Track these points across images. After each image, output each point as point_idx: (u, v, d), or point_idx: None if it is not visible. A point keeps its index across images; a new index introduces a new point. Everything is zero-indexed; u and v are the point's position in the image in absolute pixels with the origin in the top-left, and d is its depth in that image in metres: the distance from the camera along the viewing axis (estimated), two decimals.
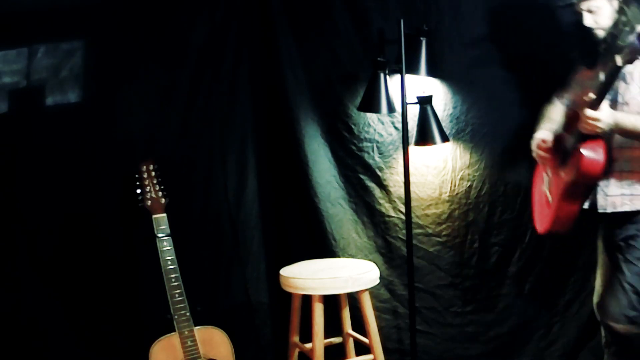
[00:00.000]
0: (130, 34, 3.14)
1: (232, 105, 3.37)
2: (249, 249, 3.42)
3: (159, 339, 2.80)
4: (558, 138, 2.72)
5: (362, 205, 3.45)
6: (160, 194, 2.92)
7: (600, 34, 2.57)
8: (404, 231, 3.26)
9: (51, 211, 3.04)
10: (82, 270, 3.08)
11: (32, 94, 3.05)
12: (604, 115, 2.39)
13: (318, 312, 2.86)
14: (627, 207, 2.60)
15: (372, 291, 3.06)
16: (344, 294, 3.03)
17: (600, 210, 2.66)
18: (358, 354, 3.15)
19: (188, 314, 2.82)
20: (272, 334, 3.44)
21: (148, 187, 2.91)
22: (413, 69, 3.16)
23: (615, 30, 2.52)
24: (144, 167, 2.94)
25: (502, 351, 3.34)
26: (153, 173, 2.94)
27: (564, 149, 2.66)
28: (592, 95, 2.39)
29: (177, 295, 2.82)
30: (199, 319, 2.87)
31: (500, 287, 3.32)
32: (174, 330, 2.81)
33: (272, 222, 3.49)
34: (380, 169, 3.41)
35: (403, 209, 3.28)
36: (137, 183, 2.92)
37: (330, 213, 3.42)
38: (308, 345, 2.95)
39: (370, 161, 3.41)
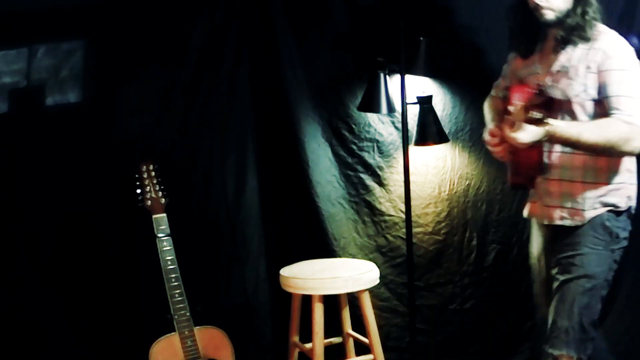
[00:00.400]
0: (130, 34, 3.13)
1: (232, 105, 3.37)
2: (249, 249, 3.42)
3: (159, 339, 2.80)
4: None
5: (362, 205, 3.45)
6: (160, 194, 2.92)
7: (549, 15, 2.30)
8: (404, 230, 3.26)
9: (51, 211, 3.03)
10: (82, 270, 3.07)
11: (32, 94, 3.05)
12: (524, 136, 2.17)
13: (318, 312, 2.86)
14: (567, 222, 2.37)
15: (372, 290, 3.07)
16: (344, 294, 3.03)
17: (538, 221, 2.52)
18: (358, 354, 3.15)
19: (188, 314, 2.82)
20: (272, 334, 3.45)
21: (148, 187, 2.92)
22: (413, 69, 3.17)
23: (580, 21, 2.28)
24: (144, 167, 2.94)
25: (501, 348, 3.35)
26: (153, 173, 2.94)
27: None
28: (511, 117, 2.20)
29: (177, 295, 2.82)
30: (199, 319, 2.87)
31: (498, 285, 3.33)
32: (174, 330, 2.81)
33: (272, 222, 3.49)
34: (381, 168, 3.42)
35: (403, 208, 3.29)
36: (137, 183, 2.92)
37: (331, 212, 3.42)
38: (308, 345, 2.95)
39: (371, 160, 3.42)
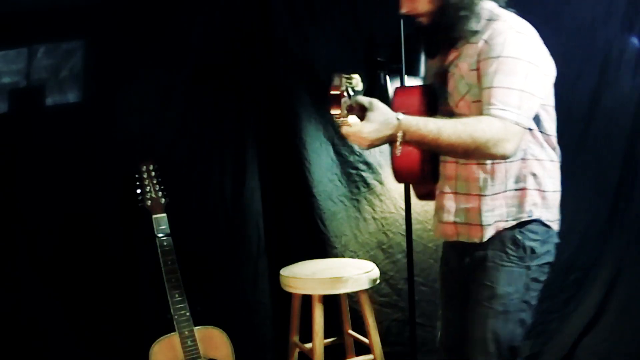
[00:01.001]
0: (130, 34, 3.13)
1: (232, 104, 3.37)
2: (249, 248, 3.42)
3: (159, 339, 2.80)
4: None
5: (363, 202, 3.46)
6: (160, 194, 2.92)
7: (422, 20, 2.04)
8: (404, 227, 3.26)
9: (51, 211, 3.03)
10: (82, 270, 3.07)
11: (32, 94, 3.05)
12: (368, 132, 1.76)
13: (318, 312, 2.86)
14: (463, 238, 2.08)
15: (373, 286, 3.07)
16: (344, 294, 3.03)
17: (436, 236, 2.23)
18: (358, 354, 3.15)
19: (188, 314, 2.82)
20: (272, 333, 3.44)
21: (148, 187, 2.92)
22: (413, 69, 3.17)
23: (457, 15, 1.98)
24: (144, 167, 2.94)
25: None
26: (153, 173, 2.94)
27: None
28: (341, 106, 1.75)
29: (177, 295, 2.82)
30: (199, 319, 2.87)
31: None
32: (174, 330, 2.81)
33: (272, 222, 3.49)
34: (382, 167, 3.43)
35: (403, 205, 3.29)
36: (137, 183, 2.92)
37: (333, 210, 3.43)
38: (308, 345, 2.95)
39: (372, 159, 3.43)
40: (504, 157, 1.88)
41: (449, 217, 2.11)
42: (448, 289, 2.27)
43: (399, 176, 2.11)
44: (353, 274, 2.87)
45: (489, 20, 1.98)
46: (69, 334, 3.05)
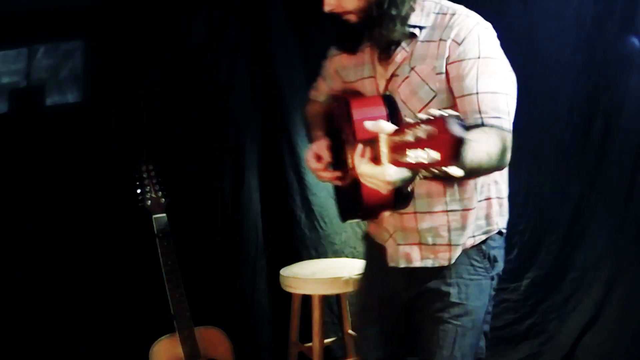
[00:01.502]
0: (130, 34, 3.13)
1: (231, 104, 3.37)
2: (249, 248, 3.42)
3: (159, 339, 2.80)
4: (335, 149, 1.87)
5: None
6: (160, 194, 2.92)
7: (352, 18, 1.79)
8: None
9: (51, 211, 3.04)
10: (82, 270, 3.08)
11: (32, 94, 3.06)
12: (396, 174, 1.37)
13: (318, 312, 2.86)
14: (429, 263, 1.84)
15: None
16: (344, 293, 3.03)
17: (390, 264, 1.90)
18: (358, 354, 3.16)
19: (188, 314, 2.82)
20: (271, 333, 3.44)
21: (148, 187, 2.91)
22: None
23: (394, 11, 1.72)
24: (144, 167, 2.94)
25: (498, 346, 3.34)
26: (153, 173, 2.94)
27: (344, 164, 1.81)
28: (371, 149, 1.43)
29: (177, 295, 2.82)
30: (199, 319, 2.87)
31: (497, 282, 3.33)
32: (174, 330, 2.81)
33: (272, 221, 3.49)
34: None
35: None
36: (137, 183, 2.91)
37: (333, 208, 3.42)
38: (308, 345, 2.95)
39: None
40: (503, 168, 1.71)
41: (411, 239, 1.86)
42: (374, 307, 2.03)
43: (366, 208, 1.71)
44: (353, 273, 2.87)
45: (440, 14, 1.77)
46: (69, 334, 3.06)
